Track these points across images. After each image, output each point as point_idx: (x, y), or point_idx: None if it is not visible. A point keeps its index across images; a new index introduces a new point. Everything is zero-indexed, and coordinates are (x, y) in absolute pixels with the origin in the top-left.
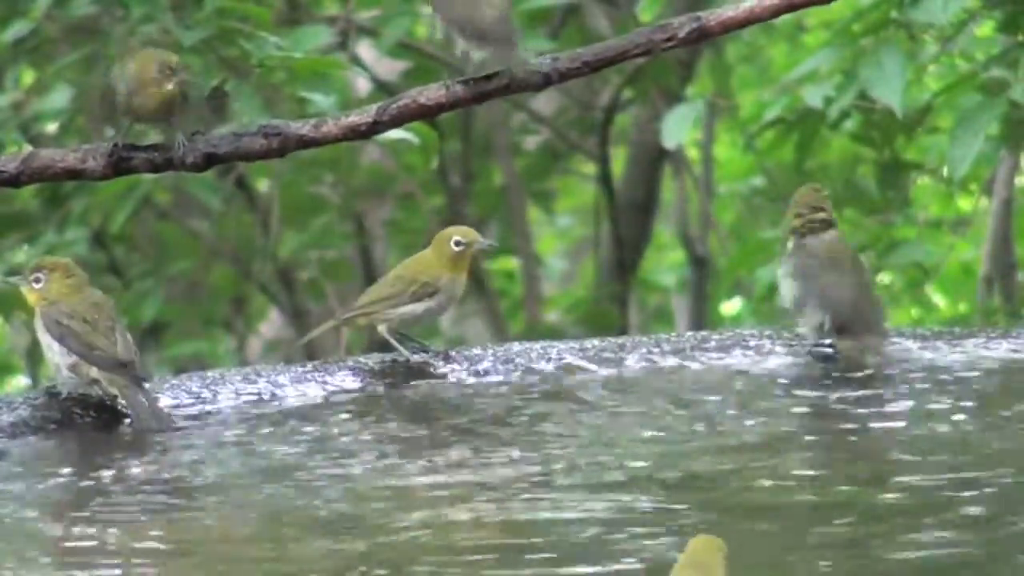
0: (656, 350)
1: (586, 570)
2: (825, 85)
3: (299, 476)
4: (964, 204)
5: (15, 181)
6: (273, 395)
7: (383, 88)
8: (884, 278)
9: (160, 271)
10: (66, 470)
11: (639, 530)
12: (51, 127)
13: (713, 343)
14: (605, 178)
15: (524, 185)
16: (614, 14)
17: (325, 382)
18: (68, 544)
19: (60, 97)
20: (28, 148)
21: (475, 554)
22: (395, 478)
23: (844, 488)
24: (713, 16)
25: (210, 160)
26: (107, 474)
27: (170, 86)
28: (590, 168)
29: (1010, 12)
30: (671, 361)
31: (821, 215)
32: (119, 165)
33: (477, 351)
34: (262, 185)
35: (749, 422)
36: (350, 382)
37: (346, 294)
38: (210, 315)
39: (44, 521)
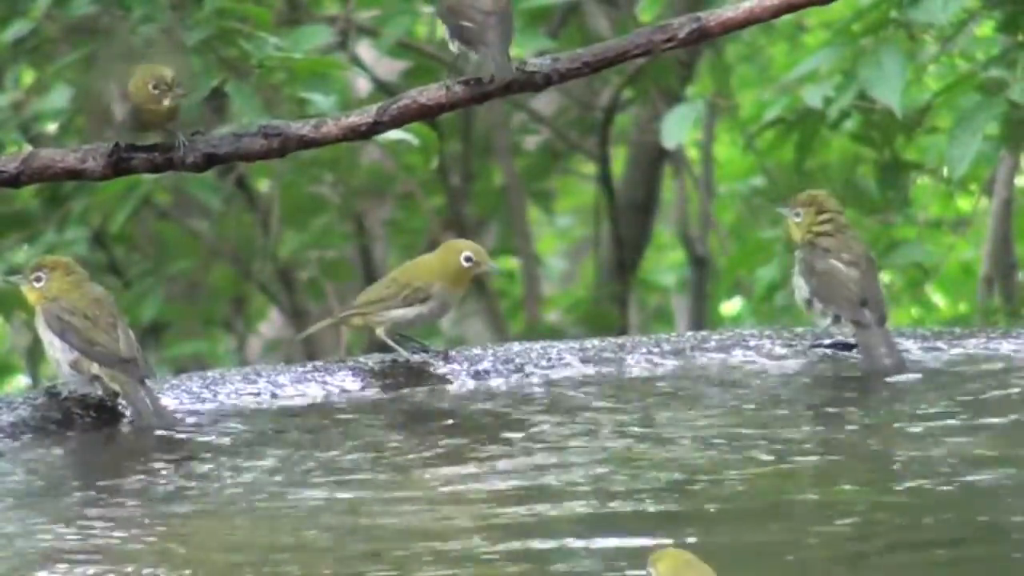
0: (656, 350)
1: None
2: (825, 85)
3: (299, 476)
4: (964, 204)
5: (15, 181)
6: (273, 395)
7: (383, 88)
8: (884, 278)
9: (160, 271)
10: (66, 470)
11: (639, 531)
12: (51, 127)
13: (713, 343)
14: (605, 178)
15: (524, 185)
16: (614, 14)
17: (325, 382)
18: (67, 545)
19: (60, 97)
20: (28, 148)
21: (473, 559)
22: (394, 479)
23: (845, 488)
24: (713, 16)
25: (210, 160)
26: (107, 474)
27: (167, 102)
28: (590, 168)
29: (1010, 12)
30: (671, 361)
31: (839, 218)
32: (119, 165)
33: (477, 351)
34: (262, 185)
35: (749, 421)
36: (350, 382)
37: (346, 294)
38: (210, 315)
39: (43, 521)
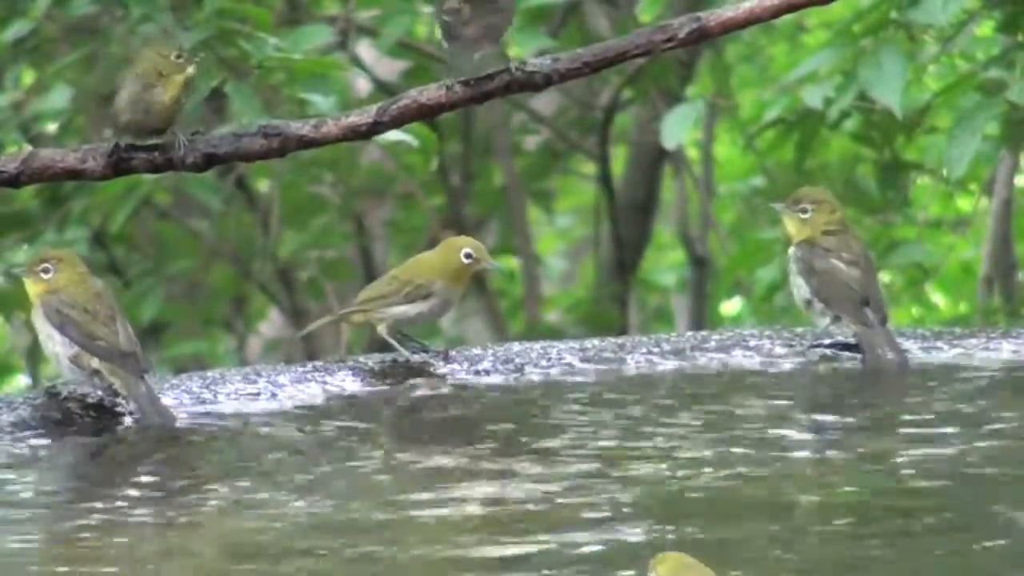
0: (656, 350)
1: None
2: (825, 85)
3: (298, 476)
4: (964, 204)
5: (15, 181)
6: (273, 395)
7: (383, 88)
8: (884, 278)
9: (160, 271)
10: (65, 471)
11: (639, 531)
12: (51, 127)
13: (713, 343)
14: (605, 178)
15: (524, 185)
16: (614, 14)
17: (325, 382)
18: (67, 545)
19: (60, 97)
20: (28, 148)
21: (468, 559)
22: (394, 479)
23: (845, 488)
24: (713, 16)
25: (210, 160)
26: (107, 475)
27: (191, 69)
28: (590, 168)
29: (1010, 12)
30: (671, 361)
31: (842, 216)
32: (119, 165)
33: (477, 351)
34: (262, 185)
35: (749, 421)
36: (350, 382)
37: (346, 294)
38: (210, 315)
39: (42, 522)
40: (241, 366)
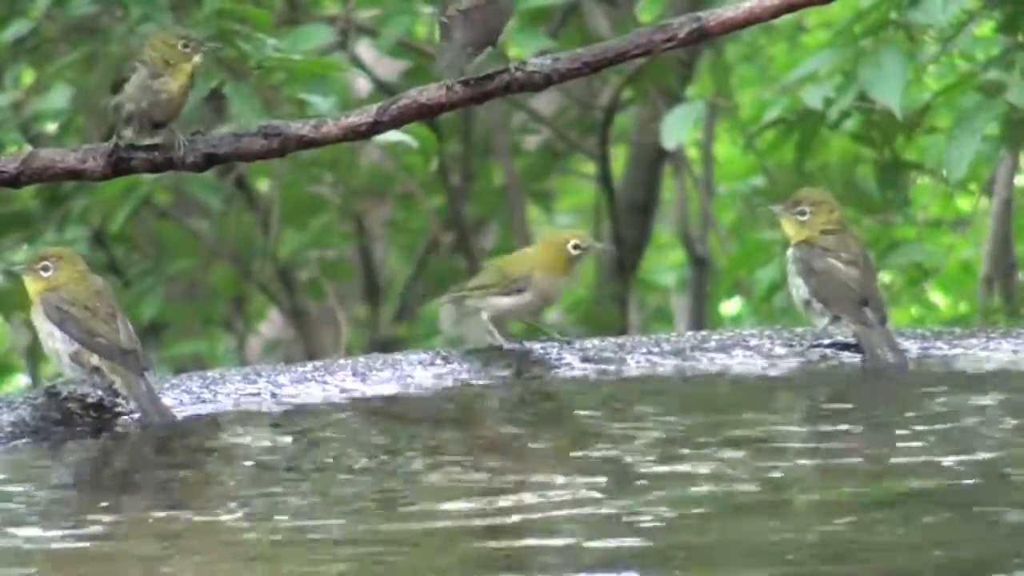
0: (656, 350)
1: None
2: (825, 85)
3: (299, 477)
4: (964, 204)
5: (15, 181)
6: (273, 395)
7: (383, 88)
8: (884, 278)
9: (160, 271)
10: (65, 471)
11: (637, 531)
12: (51, 127)
13: (713, 343)
14: (605, 178)
15: (524, 185)
16: (614, 14)
17: (325, 382)
18: (66, 546)
19: (60, 97)
20: (28, 148)
21: (465, 559)
22: (395, 480)
23: (845, 488)
24: (713, 16)
25: (210, 160)
26: (106, 475)
27: (198, 58)
28: (590, 168)
29: (1010, 12)
30: (671, 361)
31: (841, 216)
32: (119, 165)
33: (477, 351)
34: (262, 185)
35: (749, 421)
36: (350, 382)
37: (346, 294)
38: (210, 315)
39: (42, 521)
40: (241, 366)
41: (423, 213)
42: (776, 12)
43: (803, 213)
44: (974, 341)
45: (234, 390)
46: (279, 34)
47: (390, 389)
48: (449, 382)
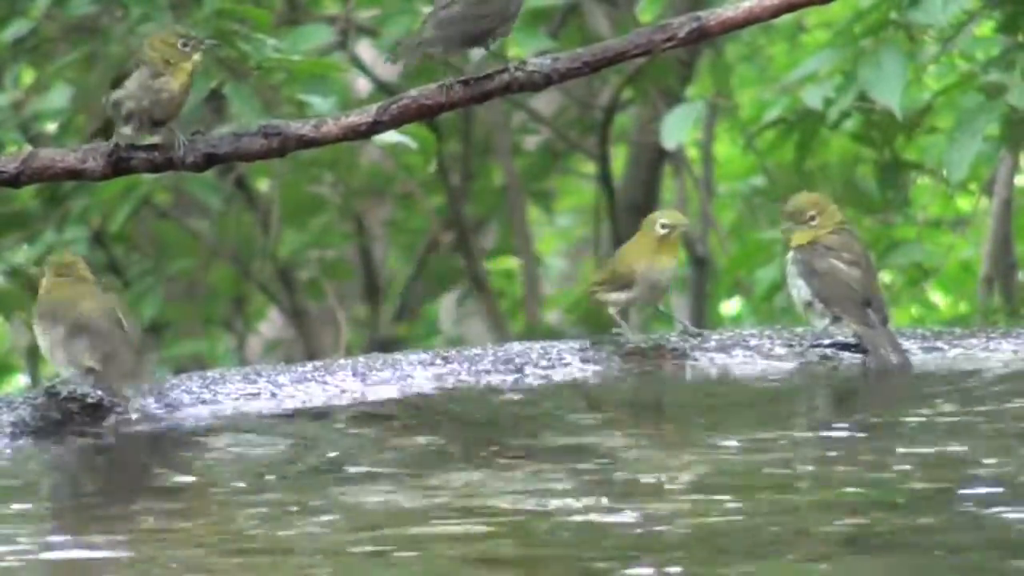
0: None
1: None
2: (825, 85)
3: (299, 477)
4: (964, 204)
5: (15, 181)
6: (273, 395)
7: (383, 88)
8: (884, 278)
9: (160, 271)
10: (65, 471)
11: (637, 531)
12: (51, 127)
13: (713, 343)
14: (605, 178)
15: (524, 185)
16: (614, 14)
17: (325, 382)
18: (65, 546)
19: (60, 97)
20: (28, 148)
21: (461, 560)
22: (395, 479)
23: (845, 488)
24: (713, 16)
25: (210, 160)
26: (106, 475)
27: (197, 56)
28: (590, 168)
29: (1010, 12)
30: (672, 361)
31: (839, 216)
32: (119, 165)
33: (477, 351)
34: (262, 185)
35: (749, 421)
36: (350, 382)
37: (346, 294)
38: (210, 315)
39: (42, 521)
40: (241, 366)
41: (423, 213)
42: (776, 12)
43: (812, 219)
44: (974, 341)
45: (234, 390)
46: (279, 34)
47: (390, 389)
48: (449, 382)
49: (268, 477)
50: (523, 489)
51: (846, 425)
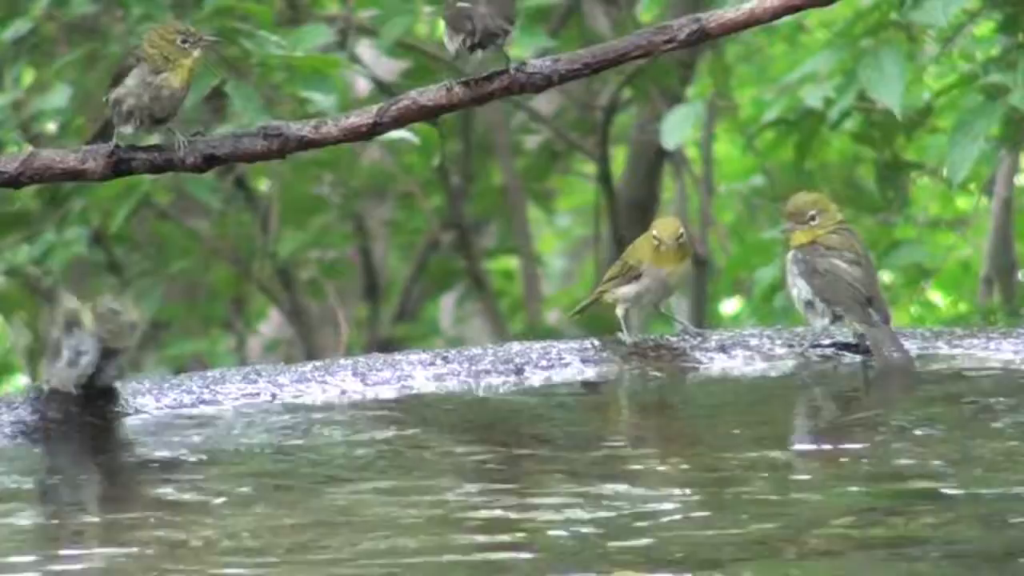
0: (657, 350)
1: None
2: (825, 85)
3: (299, 477)
4: (964, 204)
5: (15, 181)
6: (273, 395)
7: (383, 88)
8: (884, 278)
9: (160, 271)
10: (64, 471)
11: (637, 532)
12: (51, 127)
13: (713, 343)
14: (605, 178)
15: (524, 185)
16: (614, 14)
17: (325, 382)
18: (65, 546)
19: (60, 96)
20: (28, 148)
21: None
22: (395, 480)
23: (845, 488)
24: (713, 18)
25: (210, 161)
26: (106, 475)
27: (197, 53)
28: (590, 168)
29: (1010, 12)
30: (671, 361)
31: (839, 216)
32: (119, 166)
33: (477, 351)
34: (262, 185)
35: (749, 421)
36: (350, 382)
37: (346, 294)
38: (210, 315)
39: (42, 521)
40: (241, 366)
41: (423, 213)
42: (776, 13)
43: (813, 219)
44: (974, 341)
45: (234, 390)
46: (279, 34)
47: (390, 389)
48: (449, 382)
49: (268, 478)
50: (523, 489)
51: (846, 425)
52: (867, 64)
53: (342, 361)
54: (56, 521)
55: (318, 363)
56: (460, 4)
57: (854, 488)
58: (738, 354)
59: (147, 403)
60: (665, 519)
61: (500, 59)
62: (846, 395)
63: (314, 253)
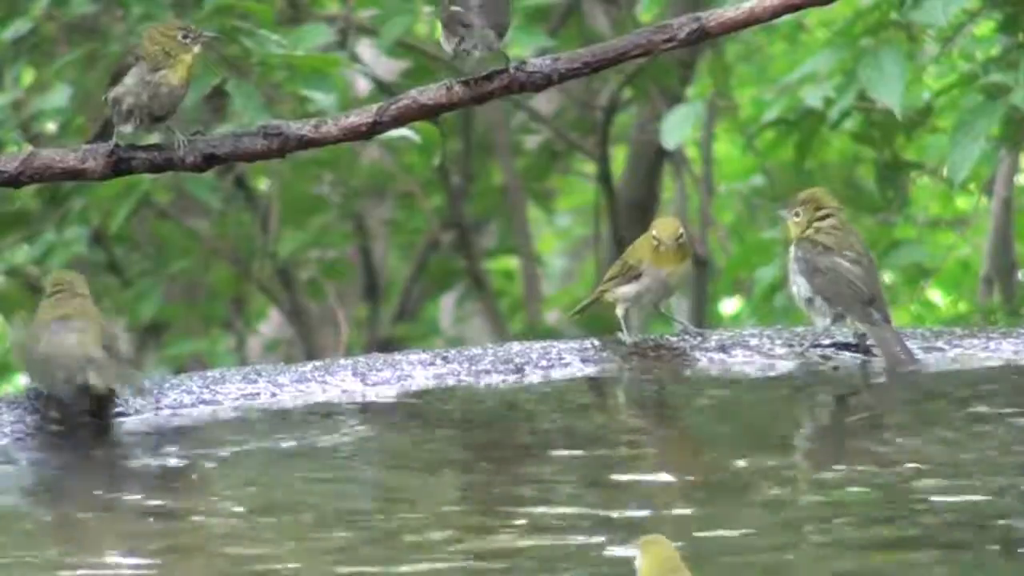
0: (657, 350)
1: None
2: (825, 85)
3: (299, 477)
4: (964, 204)
5: (15, 181)
6: (273, 395)
7: (383, 88)
8: (884, 278)
9: (160, 271)
10: (64, 471)
11: (635, 532)
12: (51, 126)
13: (713, 343)
14: (605, 178)
15: (524, 185)
16: (614, 14)
17: (325, 382)
18: (64, 546)
19: (60, 96)
20: (28, 148)
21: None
22: (396, 479)
23: (845, 488)
24: (713, 17)
25: (210, 160)
26: (105, 475)
27: (197, 49)
28: (590, 168)
29: (1010, 12)
30: (671, 361)
31: (840, 214)
32: (119, 165)
33: (477, 351)
34: (262, 184)
35: (748, 421)
36: (350, 382)
37: (346, 294)
38: (210, 315)
39: (42, 520)
40: (241, 366)
41: (423, 213)
42: (776, 12)
43: (797, 215)
44: (974, 341)
45: (234, 390)
46: (279, 33)
47: (390, 389)
48: (449, 382)
49: (268, 478)
50: (523, 490)
51: (846, 425)
52: (867, 64)
53: (342, 361)
54: (56, 521)
55: (318, 363)
56: (453, 8)
57: (854, 488)
58: (738, 354)
59: (147, 403)
60: (665, 519)
61: (500, 58)
62: (846, 395)
63: (314, 253)
